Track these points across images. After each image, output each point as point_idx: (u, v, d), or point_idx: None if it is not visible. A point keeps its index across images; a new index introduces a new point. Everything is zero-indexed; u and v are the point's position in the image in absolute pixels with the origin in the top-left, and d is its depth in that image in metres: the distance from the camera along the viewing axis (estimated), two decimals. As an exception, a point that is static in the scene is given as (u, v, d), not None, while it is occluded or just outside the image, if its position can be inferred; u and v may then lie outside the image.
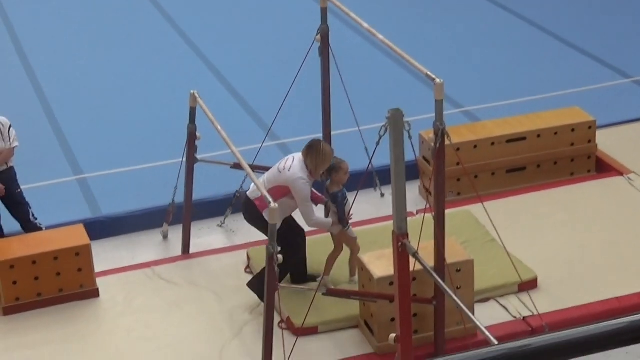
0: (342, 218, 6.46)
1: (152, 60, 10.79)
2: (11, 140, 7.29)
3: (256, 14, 11.99)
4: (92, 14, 12.15)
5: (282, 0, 12.31)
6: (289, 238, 6.40)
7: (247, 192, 6.42)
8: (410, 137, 4.96)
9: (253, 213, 6.25)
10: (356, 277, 6.63)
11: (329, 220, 6.46)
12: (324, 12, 7.15)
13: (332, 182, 6.48)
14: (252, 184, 6.33)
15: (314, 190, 6.50)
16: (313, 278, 6.70)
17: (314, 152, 6.31)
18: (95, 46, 11.23)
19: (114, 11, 12.21)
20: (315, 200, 6.54)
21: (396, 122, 4.84)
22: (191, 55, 10.87)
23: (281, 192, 6.30)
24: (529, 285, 6.71)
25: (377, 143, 4.96)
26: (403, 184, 4.96)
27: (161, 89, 10.07)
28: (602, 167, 8.24)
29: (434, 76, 5.44)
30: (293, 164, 6.34)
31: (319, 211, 6.80)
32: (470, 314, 4.91)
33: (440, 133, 5.42)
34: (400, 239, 5.08)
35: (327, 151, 6.33)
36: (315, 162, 6.27)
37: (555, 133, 8.09)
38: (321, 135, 7.70)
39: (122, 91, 10.09)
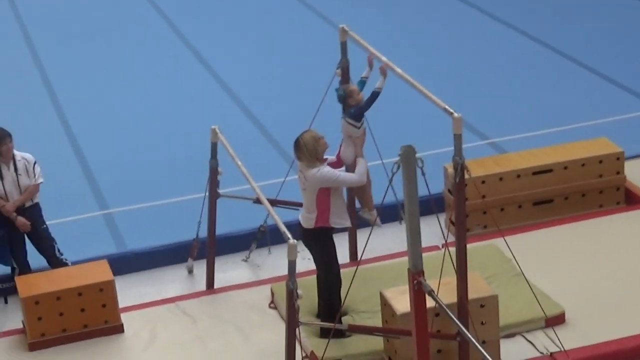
0: (362, 110, 6.53)
1: (177, 95, 10.92)
2: (36, 177, 7.40)
3: (280, 46, 12.10)
4: (118, 50, 12.33)
5: (306, 33, 12.45)
6: (331, 248, 6.54)
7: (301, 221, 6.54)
8: (423, 174, 4.95)
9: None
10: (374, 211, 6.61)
11: (362, 165, 6.48)
12: (343, 46, 7.19)
13: (349, 106, 6.59)
14: (300, 213, 6.47)
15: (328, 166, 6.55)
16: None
17: (299, 148, 6.37)
18: (120, 81, 11.38)
19: (139, 47, 12.38)
20: (338, 166, 6.63)
21: (408, 159, 4.85)
22: (216, 89, 10.97)
23: (325, 194, 6.37)
24: (556, 320, 6.66)
25: (390, 180, 4.95)
26: (417, 221, 4.96)
27: (186, 123, 10.18)
28: (631, 199, 8.18)
29: (451, 110, 5.44)
30: (304, 172, 6.41)
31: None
32: (485, 354, 4.84)
33: (460, 167, 5.39)
34: (415, 277, 5.05)
35: (307, 139, 6.36)
36: (309, 154, 6.34)
37: (583, 165, 8.06)
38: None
39: (147, 126, 10.22)
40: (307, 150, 6.32)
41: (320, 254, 6.54)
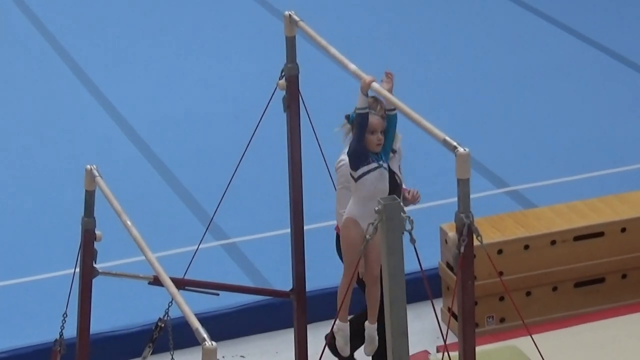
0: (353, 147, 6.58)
1: (42, 120, 11.05)
2: None
3: (196, 52, 12.36)
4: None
5: (237, 30, 12.74)
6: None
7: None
8: (413, 241, 4.85)
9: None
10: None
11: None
12: (290, 43, 7.06)
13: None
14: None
15: None
16: None
17: None
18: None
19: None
20: None
21: (390, 219, 4.72)
22: (99, 114, 11.11)
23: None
24: None
25: (362, 249, 4.79)
26: (404, 314, 4.80)
27: (49, 163, 10.30)
28: None
29: (455, 143, 5.31)
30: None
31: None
32: None
33: (466, 230, 5.26)
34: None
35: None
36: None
37: (648, 225, 8.16)
38: (289, 231, 7.58)
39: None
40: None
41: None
